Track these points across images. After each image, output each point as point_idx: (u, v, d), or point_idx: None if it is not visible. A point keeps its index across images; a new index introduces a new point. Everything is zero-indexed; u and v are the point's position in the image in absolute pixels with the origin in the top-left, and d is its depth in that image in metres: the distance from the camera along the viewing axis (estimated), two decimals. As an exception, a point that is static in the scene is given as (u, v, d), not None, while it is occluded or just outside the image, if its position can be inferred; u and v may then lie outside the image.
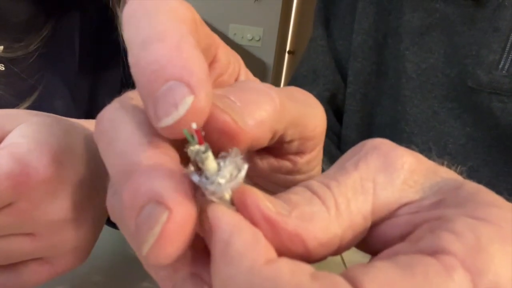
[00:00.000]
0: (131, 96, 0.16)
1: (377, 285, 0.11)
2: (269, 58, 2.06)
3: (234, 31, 2.02)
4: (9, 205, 0.19)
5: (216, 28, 1.98)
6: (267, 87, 0.16)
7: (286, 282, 0.11)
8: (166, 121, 0.13)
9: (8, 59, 0.43)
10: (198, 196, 0.13)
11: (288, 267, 0.11)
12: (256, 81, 0.20)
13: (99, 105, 0.18)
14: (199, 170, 0.13)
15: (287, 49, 2.08)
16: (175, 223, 0.12)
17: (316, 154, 0.20)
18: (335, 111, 0.54)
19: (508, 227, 0.13)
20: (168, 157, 0.14)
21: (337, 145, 0.52)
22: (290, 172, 0.20)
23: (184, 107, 0.13)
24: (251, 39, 2.03)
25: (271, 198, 0.13)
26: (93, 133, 0.15)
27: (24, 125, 0.21)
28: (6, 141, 0.20)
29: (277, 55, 2.06)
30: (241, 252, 0.12)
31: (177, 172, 0.13)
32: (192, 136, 0.13)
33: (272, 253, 0.12)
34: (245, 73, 0.20)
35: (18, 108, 0.44)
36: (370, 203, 0.14)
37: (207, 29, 0.16)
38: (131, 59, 0.14)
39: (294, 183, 0.20)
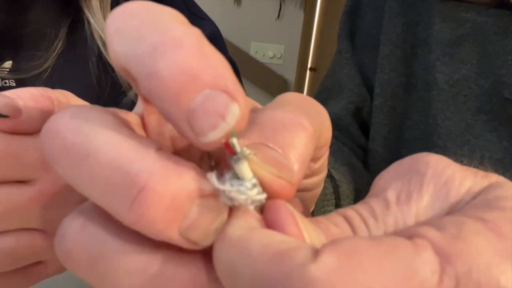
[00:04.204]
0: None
1: (337, 250, 0.10)
2: (290, 75, 2.06)
3: (256, 49, 2.04)
4: (31, 183, 0.18)
5: (238, 46, 2.00)
6: (296, 114, 0.14)
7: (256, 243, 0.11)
8: (214, 135, 0.12)
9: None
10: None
11: (262, 233, 0.12)
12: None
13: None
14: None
15: (309, 66, 2.08)
16: None
17: (326, 157, 0.19)
18: (361, 125, 0.52)
19: (503, 226, 0.11)
20: (173, 155, 0.13)
21: (362, 159, 0.51)
22: (305, 177, 0.19)
23: (233, 117, 0.12)
24: (272, 57, 2.04)
25: (307, 223, 0.12)
26: (46, 154, 0.13)
27: None
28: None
29: (298, 72, 2.06)
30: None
31: (196, 166, 0.12)
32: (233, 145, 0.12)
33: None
34: None
35: None
36: None
37: None
38: (141, 71, 0.12)
39: (306, 186, 0.19)
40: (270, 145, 0.13)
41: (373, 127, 0.49)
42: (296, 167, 0.13)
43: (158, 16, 0.12)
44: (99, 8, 0.45)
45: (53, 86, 0.47)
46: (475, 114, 0.41)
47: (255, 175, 0.13)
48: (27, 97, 0.18)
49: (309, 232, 0.12)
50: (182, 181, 0.12)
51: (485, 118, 0.41)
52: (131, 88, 0.48)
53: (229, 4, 1.97)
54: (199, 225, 0.12)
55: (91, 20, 0.45)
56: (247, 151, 0.12)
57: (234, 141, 0.12)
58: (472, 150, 0.40)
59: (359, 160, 0.48)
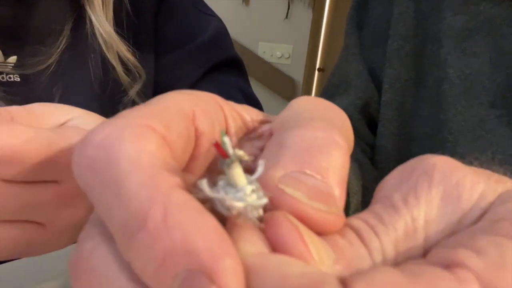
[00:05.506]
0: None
1: (367, 285, 0.09)
2: (298, 76, 2.05)
3: (264, 49, 2.03)
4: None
5: (245, 46, 2.00)
6: (327, 131, 0.13)
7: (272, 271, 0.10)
8: None
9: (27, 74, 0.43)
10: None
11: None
12: (258, 114, 0.17)
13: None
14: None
15: (317, 66, 2.07)
16: None
17: None
18: (368, 121, 0.51)
19: None
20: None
21: (369, 156, 0.50)
22: None
23: None
24: (280, 57, 2.04)
25: (313, 236, 0.11)
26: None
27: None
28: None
29: (306, 73, 2.05)
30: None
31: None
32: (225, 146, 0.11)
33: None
34: (231, 115, 0.17)
35: None
36: (421, 246, 0.12)
37: (182, 118, 0.13)
38: (119, 241, 0.11)
39: None
40: (308, 172, 0.12)
41: (381, 123, 0.48)
42: (337, 192, 0.13)
43: (119, 175, 0.11)
44: (101, 6, 0.44)
45: (56, 82, 0.47)
46: (487, 109, 0.40)
47: (302, 214, 0.11)
48: None
49: (316, 248, 0.11)
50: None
51: (497, 112, 0.39)
52: (131, 86, 0.48)
53: (237, 4, 1.97)
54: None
55: (93, 18, 0.44)
56: (240, 153, 0.11)
57: (226, 140, 0.11)
58: (484, 145, 0.39)
59: (366, 157, 0.47)
